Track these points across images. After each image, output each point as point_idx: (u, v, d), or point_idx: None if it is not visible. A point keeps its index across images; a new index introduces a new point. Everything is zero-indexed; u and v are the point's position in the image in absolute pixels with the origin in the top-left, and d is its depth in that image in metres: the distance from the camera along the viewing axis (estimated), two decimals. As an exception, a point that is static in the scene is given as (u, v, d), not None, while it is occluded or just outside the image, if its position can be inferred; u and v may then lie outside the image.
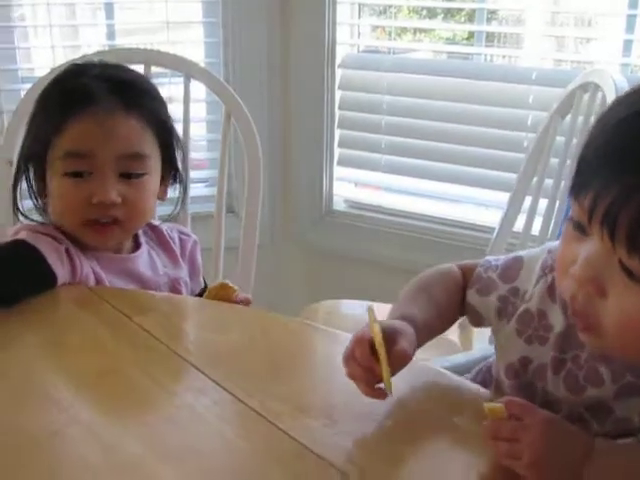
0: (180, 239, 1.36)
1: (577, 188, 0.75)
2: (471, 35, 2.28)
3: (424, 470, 0.75)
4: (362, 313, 0.90)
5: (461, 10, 2.31)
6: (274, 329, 1.01)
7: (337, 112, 2.38)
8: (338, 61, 2.34)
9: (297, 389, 0.86)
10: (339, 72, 2.35)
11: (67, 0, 2.41)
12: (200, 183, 2.43)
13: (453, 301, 0.96)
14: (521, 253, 0.95)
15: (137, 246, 1.28)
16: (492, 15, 2.26)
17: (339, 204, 2.48)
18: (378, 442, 0.77)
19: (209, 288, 1.26)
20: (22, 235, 1.12)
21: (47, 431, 0.77)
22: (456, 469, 0.75)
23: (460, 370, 1.02)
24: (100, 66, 1.22)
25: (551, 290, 0.88)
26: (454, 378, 0.90)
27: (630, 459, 0.74)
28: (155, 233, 1.32)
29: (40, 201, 1.22)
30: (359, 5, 2.36)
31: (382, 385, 0.79)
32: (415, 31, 2.49)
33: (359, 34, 2.42)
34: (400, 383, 0.81)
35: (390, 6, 2.37)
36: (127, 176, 1.17)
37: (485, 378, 1.00)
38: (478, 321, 0.98)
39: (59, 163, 1.15)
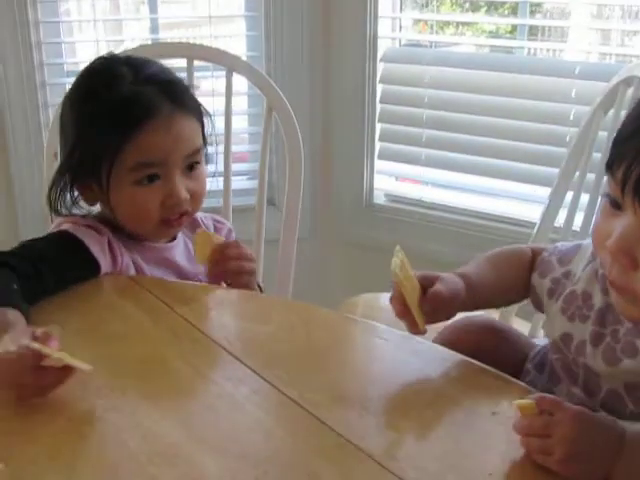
0: (215, 227, 1.38)
1: (611, 162, 0.80)
2: (514, 28, 2.27)
3: (462, 461, 0.75)
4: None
5: (504, 3, 2.30)
6: (313, 320, 1.02)
7: (378, 106, 2.37)
8: (380, 55, 2.33)
9: (335, 380, 0.87)
10: (381, 66, 2.34)
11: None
12: (242, 176, 2.45)
13: (517, 276, 1.01)
14: (583, 241, 1.00)
15: (174, 236, 1.30)
16: (536, 8, 2.24)
17: (379, 197, 2.48)
18: (415, 433, 0.78)
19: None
20: (65, 227, 1.15)
21: (88, 417, 0.79)
22: (494, 460, 0.75)
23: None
24: (129, 65, 1.21)
25: (597, 273, 0.92)
26: (494, 372, 0.90)
27: None
28: (191, 222, 1.34)
29: (85, 203, 1.25)
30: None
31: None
32: (458, 25, 2.47)
33: (400, 27, 2.41)
34: (441, 375, 0.81)
35: (432, -1, 2.37)
36: (189, 168, 1.21)
37: (543, 359, 1.03)
38: (539, 304, 1.01)
39: (128, 174, 1.17)
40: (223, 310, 1.11)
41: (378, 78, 2.35)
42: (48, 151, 1.59)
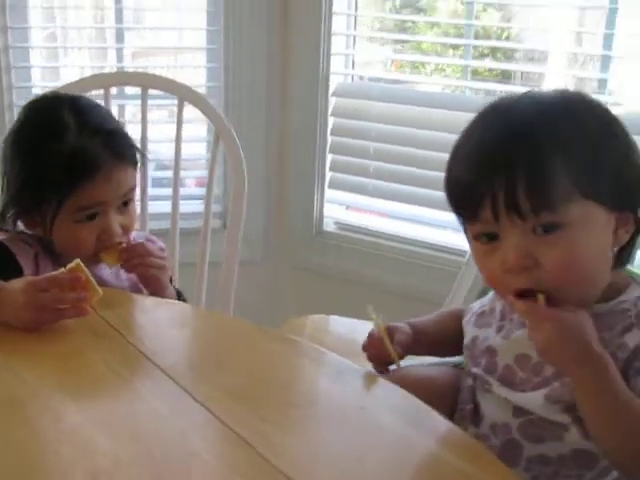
0: None
1: (470, 210, 0.96)
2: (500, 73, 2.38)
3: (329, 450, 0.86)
4: (346, 331, 1.08)
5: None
6: (222, 326, 1.13)
7: (329, 137, 2.50)
8: (331, 90, 2.46)
9: (230, 379, 0.98)
10: (332, 100, 2.47)
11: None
12: (198, 200, 2.54)
13: (455, 326, 1.17)
14: None
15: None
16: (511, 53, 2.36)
17: (329, 225, 2.59)
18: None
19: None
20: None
21: (10, 403, 0.90)
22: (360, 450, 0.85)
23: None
24: (74, 112, 1.32)
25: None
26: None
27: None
28: None
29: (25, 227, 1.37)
30: (354, 37, 2.49)
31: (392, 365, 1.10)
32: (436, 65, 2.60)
33: (353, 64, 2.53)
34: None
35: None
36: (123, 205, 1.35)
37: None
38: None
39: (70, 214, 1.29)
40: (142, 315, 1.22)
41: (329, 112, 2.47)
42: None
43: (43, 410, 0.89)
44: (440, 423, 0.92)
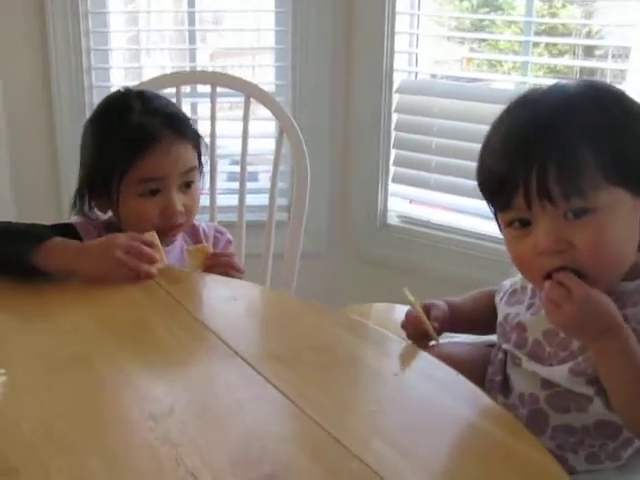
0: (215, 237, 1.60)
1: (504, 198, 1.01)
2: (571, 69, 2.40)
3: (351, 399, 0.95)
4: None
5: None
6: (273, 300, 1.24)
7: (393, 133, 2.58)
8: (395, 86, 2.55)
9: (275, 344, 1.08)
10: (396, 97, 2.56)
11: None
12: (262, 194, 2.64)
13: (489, 303, 1.24)
14: None
15: (172, 241, 1.53)
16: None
17: (393, 218, 2.68)
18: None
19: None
20: (72, 219, 1.47)
21: (77, 357, 1.02)
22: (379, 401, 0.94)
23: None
24: (140, 99, 1.48)
25: None
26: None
27: None
28: (193, 230, 1.58)
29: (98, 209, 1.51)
30: (417, 35, 2.57)
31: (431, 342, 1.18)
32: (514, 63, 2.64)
33: (417, 62, 2.61)
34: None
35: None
36: (186, 186, 1.46)
37: None
38: None
39: (135, 187, 1.43)
40: (204, 290, 1.34)
41: (393, 108, 2.56)
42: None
43: (107, 364, 1.01)
44: (471, 391, 0.99)
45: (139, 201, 1.43)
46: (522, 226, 1.02)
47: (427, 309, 1.19)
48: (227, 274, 1.42)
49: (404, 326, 1.19)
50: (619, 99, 1.04)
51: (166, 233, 1.45)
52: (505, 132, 1.04)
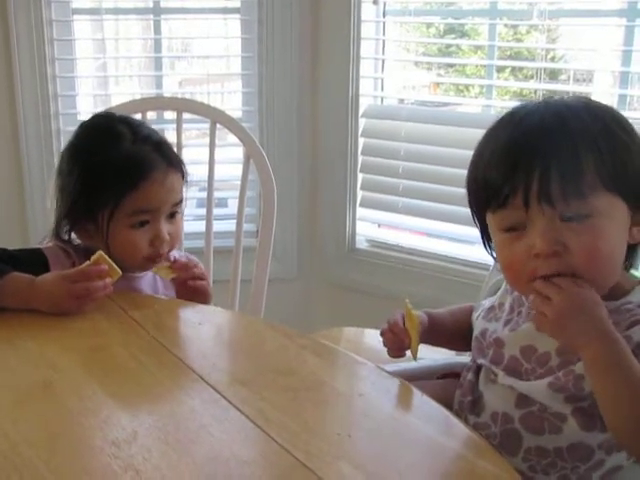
0: None
1: (500, 200, 1.02)
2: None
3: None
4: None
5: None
6: (236, 322, 1.23)
7: (360, 157, 2.60)
8: (361, 111, 2.56)
9: (238, 367, 1.08)
10: (362, 121, 2.57)
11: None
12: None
13: (466, 319, 1.25)
14: None
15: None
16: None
17: (361, 243, 2.69)
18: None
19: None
20: (42, 245, 1.43)
21: (41, 385, 1.01)
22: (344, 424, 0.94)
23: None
24: (127, 124, 1.44)
25: (509, 291, 1.18)
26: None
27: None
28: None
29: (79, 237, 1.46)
30: (382, 61, 2.59)
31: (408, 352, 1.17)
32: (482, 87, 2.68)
33: (382, 87, 2.63)
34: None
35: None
36: (171, 215, 1.44)
37: None
38: None
39: (127, 218, 1.39)
40: (168, 316, 1.33)
41: (360, 132, 2.57)
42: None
43: (71, 390, 1.00)
44: (439, 411, 0.99)
45: (130, 232, 1.40)
46: (515, 229, 1.03)
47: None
48: (196, 275, 1.44)
49: (384, 332, 1.19)
50: (611, 111, 1.07)
51: (152, 261, 1.43)
52: (504, 139, 1.05)
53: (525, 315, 1.11)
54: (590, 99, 1.11)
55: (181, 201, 1.46)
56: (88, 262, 1.28)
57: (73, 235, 1.45)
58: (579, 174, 0.98)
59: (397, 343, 1.17)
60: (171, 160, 1.43)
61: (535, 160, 0.99)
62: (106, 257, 1.29)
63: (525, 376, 1.08)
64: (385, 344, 1.18)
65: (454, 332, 1.26)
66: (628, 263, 1.08)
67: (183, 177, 1.47)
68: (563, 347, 1.04)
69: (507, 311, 1.16)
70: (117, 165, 1.38)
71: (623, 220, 1.02)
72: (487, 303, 1.22)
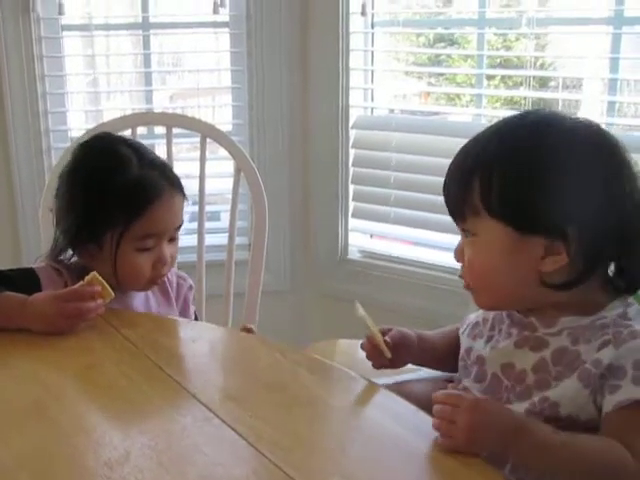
0: (177, 283, 1.58)
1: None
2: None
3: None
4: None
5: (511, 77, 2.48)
6: (228, 340, 1.23)
7: (351, 169, 2.60)
8: (351, 122, 2.57)
9: (231, 383, 1.08)
10: (352, 132, 2.58)
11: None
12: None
13: (455, 336, 1.25)
14: None
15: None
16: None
17: (354, 253, 2.69)
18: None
19: None
20: (36, 265, 1.42)
21: (33, 405, 1.01)
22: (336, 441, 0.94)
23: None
24: (130, 147, 1.44)
25: None
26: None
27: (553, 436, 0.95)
28: None
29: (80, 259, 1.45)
30: (372, 71, 2.60)
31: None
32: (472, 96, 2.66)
33: (372, 97, 2.64)
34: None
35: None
36: (171, 237, 1.45)
37: None
38: None
39: (134, 242, 1.39)
40: (160, 333, 1.32)
41: (351, 143, 2.58)
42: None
43: (63, 409, 1.00)
44: (427, 423, 0.98)
45: (136, 255, 1.40)
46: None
47: (386, 330, 1.21)
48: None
49: (363, 346, 1.21)
50: (546, 138, 1.05)
51: (154, 282, 1.45)
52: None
53: (505, 332, 1.12)
54: (538, 119, 1.09)
55: (182, 224, 1.46)
56: (81, 282, 1.28)
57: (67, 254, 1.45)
58: (462, 198, 1.06)
59: (376, 353, 1.19)
60: (174, 183, 1.44)
61: (448, 183, 1.10)
62: (100, 278, 1.28)
63: (506, 394, 1.08)
64: (367, 357, 1.20)
65: (445, 352, 1.26)
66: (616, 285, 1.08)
67: (185, 199, 1.47)
68: (537, 365, 1.05)
69: (489, 327, 1.16)
70: (126, 190, 1.37)
71: (506, 245, 1.04)
72: (473, 317, 1.22)
